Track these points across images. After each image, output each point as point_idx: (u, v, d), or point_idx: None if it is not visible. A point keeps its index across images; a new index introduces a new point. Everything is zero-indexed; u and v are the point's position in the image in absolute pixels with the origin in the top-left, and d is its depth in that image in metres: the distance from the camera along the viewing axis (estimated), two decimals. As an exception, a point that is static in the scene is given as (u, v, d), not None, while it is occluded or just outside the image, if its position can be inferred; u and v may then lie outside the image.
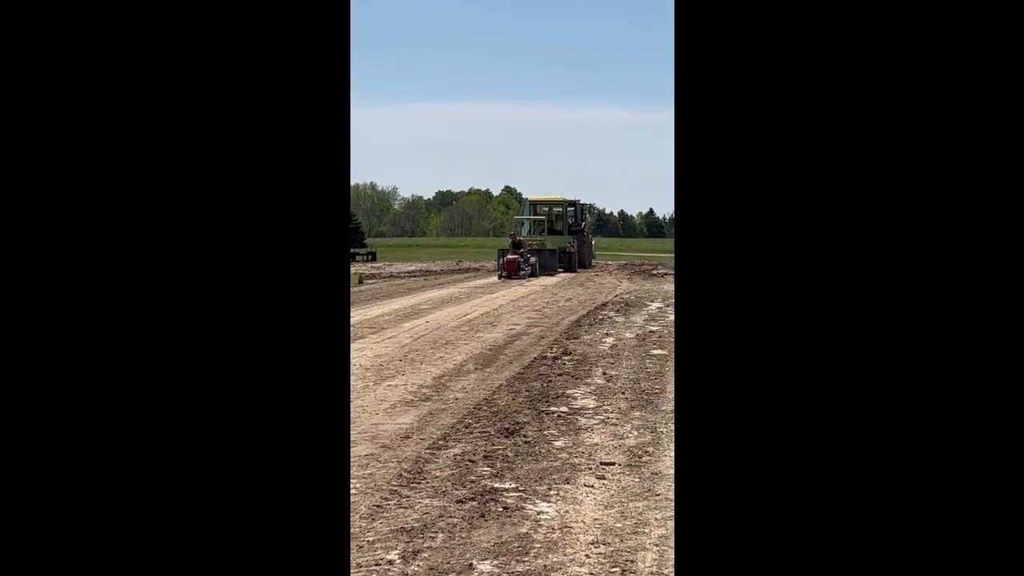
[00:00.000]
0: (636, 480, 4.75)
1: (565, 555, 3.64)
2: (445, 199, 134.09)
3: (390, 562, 3.55)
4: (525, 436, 5.75)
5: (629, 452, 5.35)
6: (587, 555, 3.64)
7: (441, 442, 5.57)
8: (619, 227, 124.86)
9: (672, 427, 5.63)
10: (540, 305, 16.17)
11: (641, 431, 5.91)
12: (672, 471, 4.38)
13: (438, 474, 4.85)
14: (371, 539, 3.81)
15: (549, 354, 9.56)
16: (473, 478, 4.76)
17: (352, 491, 4.49)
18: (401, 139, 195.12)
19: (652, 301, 16.84)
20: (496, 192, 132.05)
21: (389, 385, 7.69)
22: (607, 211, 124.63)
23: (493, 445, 5.50)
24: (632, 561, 3.57)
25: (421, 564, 3.53)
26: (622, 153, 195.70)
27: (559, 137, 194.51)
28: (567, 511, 4.22)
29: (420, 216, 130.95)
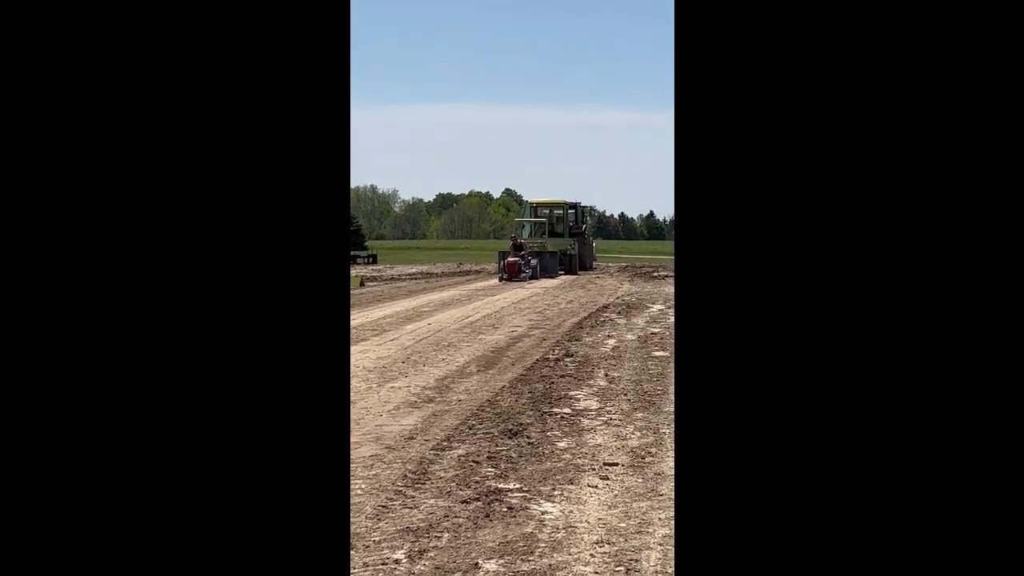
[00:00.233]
0: (639, 480, 4.79)
1: (570, 554, 3.67)
2: (445, 201, 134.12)
3: (396, 561, 3.59)
4: (528, 437, 5.78)
5: (632, 453, 5.39)
6: (592, 554, 3.67)
7: (445, 443, 5.61)
8: (620, 229, 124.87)
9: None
10: (541, 307, 16.20)
11: (644, 432, 5.94)
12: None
13: (442, 475, 4.88)
14: (377, 539, 3.85)
15: (551, 356, 9.59)
16: (477, 479, 4.80)
17: (357, 492, 4.52)
18: (401, 141, 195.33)
19: (653, 303, 16.86)
20: (497, 194, 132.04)
21: (392, 387, 7.72)
22: (608, 213, 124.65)
23: (497, 446, 5.54)
24: (636, 560, 3.60)
25: (427, 563, 3.57)
26: (623, 155, 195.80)
27: (560, 139, 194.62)
28: (571, 511, 4.25)
29: (421, 219, 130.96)
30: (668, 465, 5.00)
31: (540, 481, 4.76)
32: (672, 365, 8.50)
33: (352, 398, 7.14)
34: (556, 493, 4.55)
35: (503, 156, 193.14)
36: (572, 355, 9.64)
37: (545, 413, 6.56)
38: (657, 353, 9.70)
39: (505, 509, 4.26)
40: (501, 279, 25.09)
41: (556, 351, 9.98)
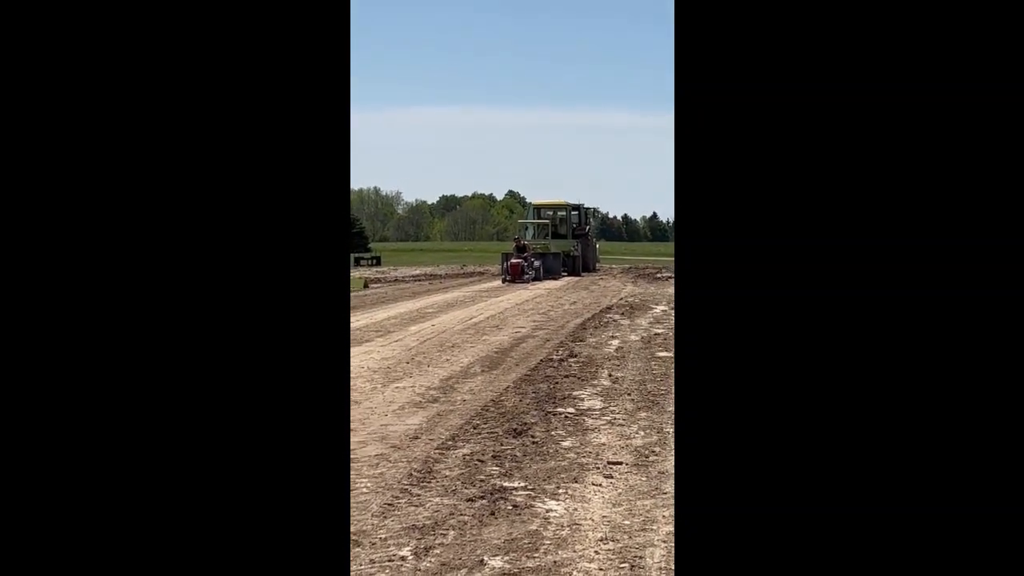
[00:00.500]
0: (643, 479, 4.83)
1: (575, 551, 3.72)
2: (449, 203, 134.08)
3: (403, 558, 3.64)
4: (533, 436, 5.83)
5: (636, 452, 5.43)
6: (596, 551, 3.72)
7: (450, 442, 5.65)
8: (623, 231, 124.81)
9: (677, 426, 5.69)
10: (545, 308, 16.23)
11: (648, 431, 5.99)
12: (677, 469, 4.45)
13: (448, 473, 4.93)
14: (383, 536, 3.89)
15: (555, 356, 9.63)
16: (482, 477, 4.85)
17: (363, 490, 4.58)
18: (404, 143, 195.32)
19: (656, 304, 16.89)
20: (500, 196, 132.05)
21: (397, 387, 7.77)
22: (611, 215, 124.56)
23: (501, 445, 5.58)
24: (640, 557, 3.64)
25: (433, 560, 3.62)
26: (626, 157, 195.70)
27: (564, 141, 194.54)
28: (576, 509, 4.30)
29: (424, 221, 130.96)
30: (672, 464, 5.04)
31: (545, 480, 4.81)
32: (675, 365, 8.52)
33: (357, 398, 7.18)
34: (561, 491, 4.59)
35: (506, 158, 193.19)
36: (576, 355, 9.68)
37: (549, 413, 6.60)
38: (661, 353, 9.73)
39: (510, 507, 4.31)
40: (504, 280, 25.12)
41: (560, 351, 10.02)
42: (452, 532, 3.96)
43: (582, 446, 5.59)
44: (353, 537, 3.85)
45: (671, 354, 9.53)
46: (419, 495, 4.52)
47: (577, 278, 27.76)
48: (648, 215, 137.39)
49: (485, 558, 3.63)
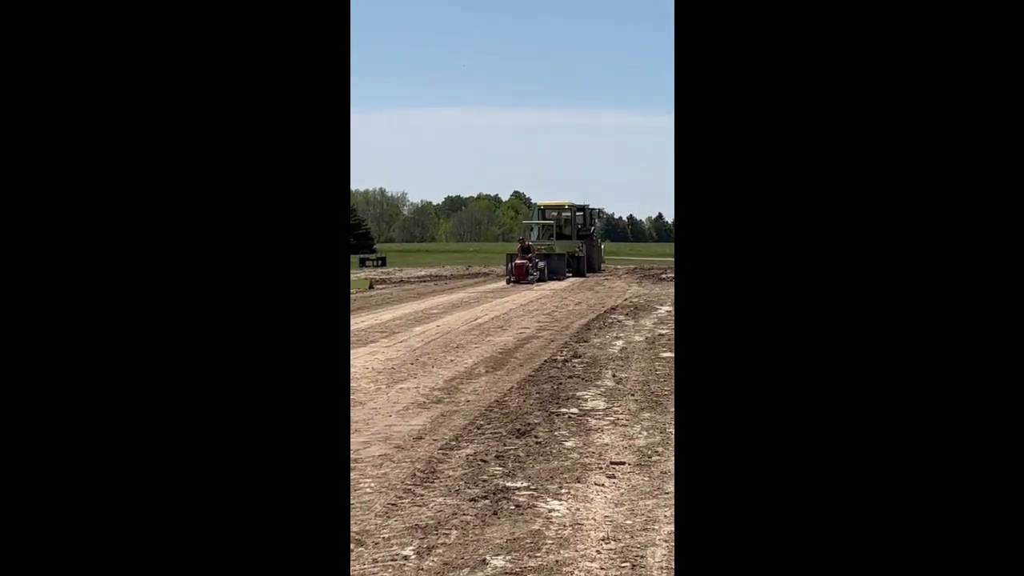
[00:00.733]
0: (646, 479, 4.84)
1: (576, 551, 3.73)
2: (454, 204, 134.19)
3: (405, 557, 3.65)
4: (536, 437, 5.84)
5: (639, 452, 5.44)
6: (598, 551, 3.72)
7: (453, 443, 5.67)
8: (628, 231, 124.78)
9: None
10: (550, 309, 16.24)
11: (651, 431, 5.99)
12: (680, 469, 4.45)
13: (451, 474, 4.94)
14: (387, 536, 3.91)
15: (559, 357, 9.64)
16: (485, 477, 4.86)
17: (367, 491, 4.59)
18: (410, 144, 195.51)
19: (661, 305, 16.88)
20: (505, 197, 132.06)
21: (401, 388, 7.78)
22: (616, 215, 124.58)
23: (505, 446, 5.59)
24: (642, 556, 3.65)
25: (436, 559, 3.63)
26: (632, 157, 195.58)
27: (569, 142, 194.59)
28: (578, 509, 4.31)
29: (429, 221, 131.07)
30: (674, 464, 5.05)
31: (547, 480, 4.82)
32: (679, 366, 8.53)
33: (362, 399, 7.20)
34: (563, 491, 4.60)
35: (512, 159, 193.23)
36: (580, 356, 9.69)
37: (553, 413, 6.61)
38: (665, 354, 9.73)
39: (513, 507, 4.32)
40: (508, 282, 25.12)
41: (564, 352, 10.03)
42: (455, 532, 3.97)
43: (585, 446, 5.59)
44: (356, 537, 3.86)
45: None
46: (422, 495, 4.53)
47: (582, 279, 27.74)
48: (654, 216, 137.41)
49: (487, 557, 3.64)
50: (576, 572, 3.50)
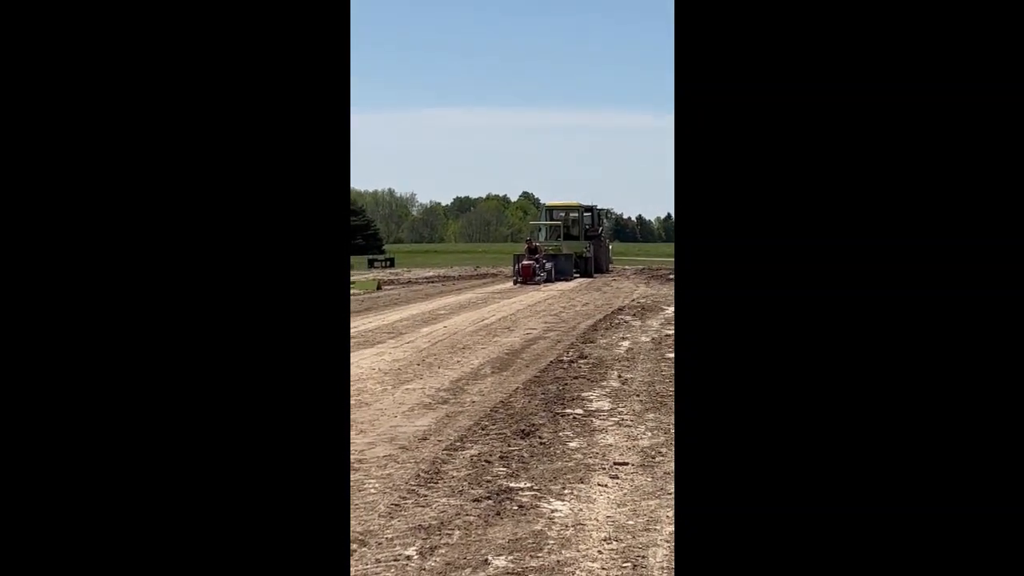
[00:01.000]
0: (649, 479, 4.83)
1: (578, 551, 3.73)
2: (463, 205, 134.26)
3: (408, 557, 3.65)
4: (540, 437, 5.84)
5: (643, 453, 5.43)
6: (600, 551, 3.72)
7: (458, 443, 5.67)
8: (637, 231, 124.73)
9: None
10: (557, 310, 16.24)
11: (655, 432, 5.99)
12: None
13: (455, 474, 4.95)
14: (390, 536, 3.91)
15: (565, 358, 9.64)
16: (489, 478, 4.86)
17: (371, 491, 4.60)
18: (419, 145, 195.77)
19: (668, 305, 16.86)
20: (514, 198, 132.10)
21: (407, 388, 7.79)
22: (625, 216, 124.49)
23: (509, 446, 5.60)
24: (644, 557, 3.65)
25: (438, 560, 3.63)
26: (642, 158, 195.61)
27: (578, 142, 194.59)
28: (581, 509, 4.31)
29: (438, 222, 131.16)
30: (678, 465, 5.04)
31: (551, 480, 4.82)
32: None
33: (368, 400, 7.21)
34: (566, 492, 4.60)
35: (521, 159, 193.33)
36: (586, 357, 9.69)
37: (557, 414, 6.61)
38: (670, 355, 9.71)
39: (516, 507, 4.32)
40: (515, 282, 25.13)
41: (570, 353, 10.03)
42: (458, 532, 3.97)
43: (589, 447, 5.59)
44: (360, 537, 3.87)
45: (681, 356, 9.51)
46: (426, 496, 4.54)
47: (589, 279, 27.74)
48: (663, 216, 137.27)
49: (489, 557, 3.64)
50: (577, 572, 3.50)
